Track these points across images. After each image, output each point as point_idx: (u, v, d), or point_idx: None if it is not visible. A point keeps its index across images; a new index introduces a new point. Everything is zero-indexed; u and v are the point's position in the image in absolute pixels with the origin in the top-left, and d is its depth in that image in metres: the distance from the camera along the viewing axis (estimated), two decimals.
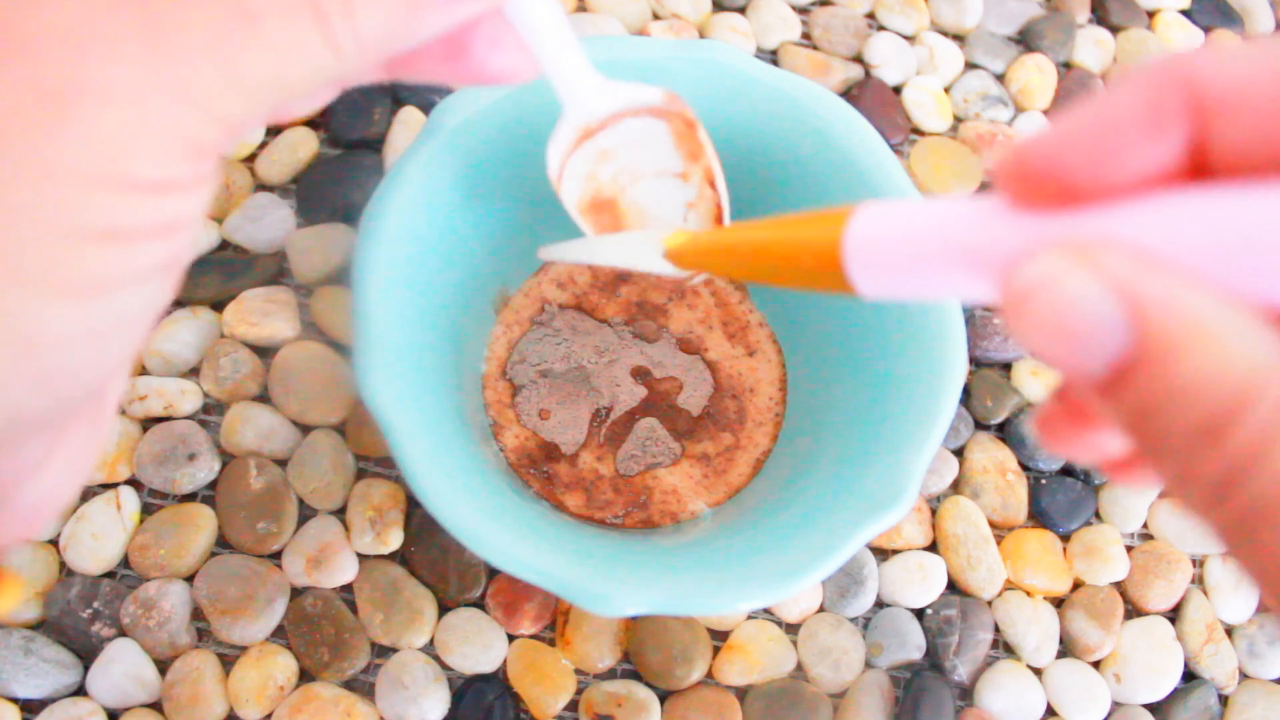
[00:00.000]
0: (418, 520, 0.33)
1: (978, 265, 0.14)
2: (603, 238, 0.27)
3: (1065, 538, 0.36)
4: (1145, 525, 0.37)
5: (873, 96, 0.42)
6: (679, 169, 0.26)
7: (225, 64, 0.14)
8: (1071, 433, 0.17)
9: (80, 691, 0.31)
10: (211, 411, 0.35)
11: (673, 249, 0.24)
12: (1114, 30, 0.46)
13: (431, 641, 0.32)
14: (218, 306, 0.36)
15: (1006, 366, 0.38)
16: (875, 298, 0.17)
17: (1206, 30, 0.47)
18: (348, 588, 0.33)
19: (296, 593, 0.33)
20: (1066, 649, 0.35)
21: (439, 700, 0.31)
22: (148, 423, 0.34)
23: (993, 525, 0.36)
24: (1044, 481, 0.36)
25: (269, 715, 0.31)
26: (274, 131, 0.39)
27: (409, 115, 0.39)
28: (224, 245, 0.37)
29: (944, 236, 0.15)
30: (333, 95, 0.20)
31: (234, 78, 0.14)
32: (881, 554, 0.35)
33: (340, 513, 0.34)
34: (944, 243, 0.15)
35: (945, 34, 0.44)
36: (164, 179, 0.14)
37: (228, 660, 0.32)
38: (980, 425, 0.37)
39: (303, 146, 0.38)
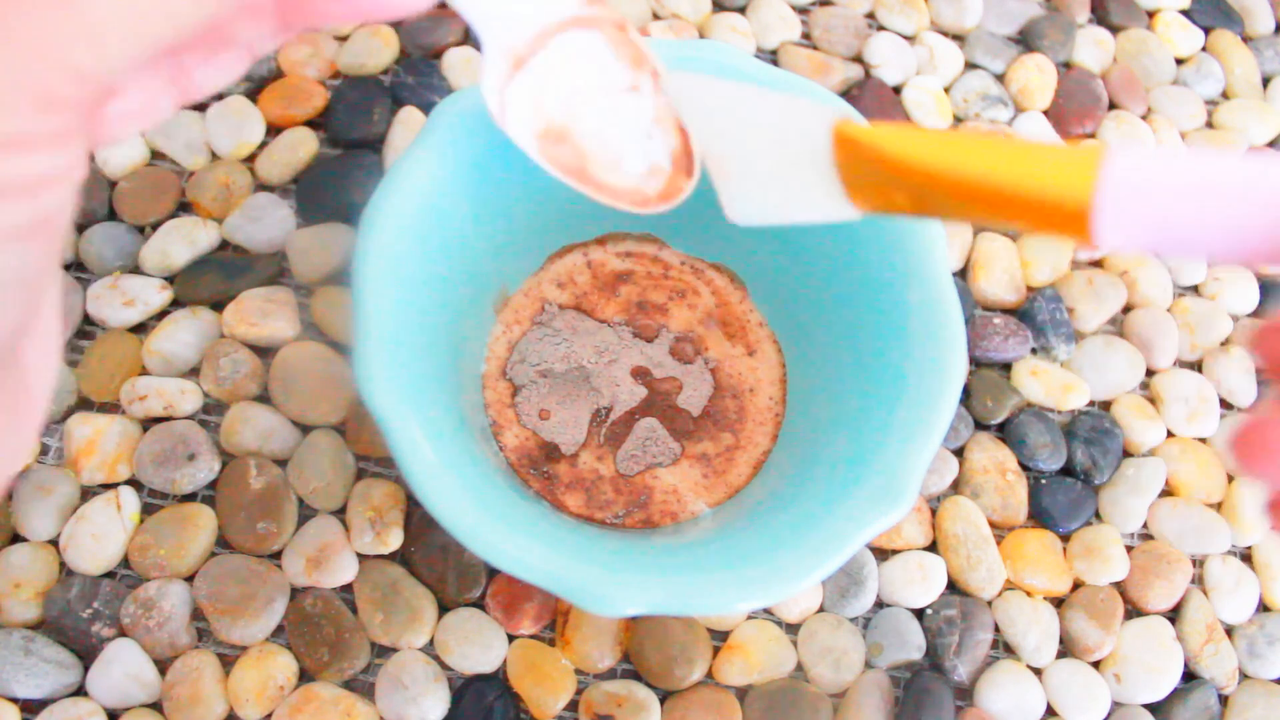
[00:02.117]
0: (418, 520, 0.33)
1: (1240, 219, 0.14)
2: (750, 93, 0.22)
3: (1065, 538, 0.36)
4: (1145, 525, 0.37)
5: (873, 97, 0.42)
6: (627, 81, 0.24)
7: (68, 9, 0.13)
8: None
9: (80, 692, 0.31)
10: (211, 411, 0.35)
11: (845, 157, 0.20)
12: (1114, 30, 0.46)
13: (431, 642, 0.32)
14: (217, 306, 0.36)
15: (1006, 366, 0.38)
16: (1112, 248, 0.16)
17: (1206, 30, 0.47)
18: (348, 588, 0.33)
19: (296, 593, 0.33)
20: (1066, 649, 0.35)
21: (439, 700, 0.31)
22: (148, 423, 0.34)
23: (993, 525, 0.36)
24: (1044, 481, 0.36)
25: (269, 715, 0.31)
26: (274, 131, 0.39)
27: (409, 115, 0.39)
28: (224, 245, 0.37)
29: (1218, 194, 0.14)
30: (244, 65, 0.19)
31: (81, 24, 0.13)
32: (881, 554, 0.35)
33: (340, 513, 0.34)
34: (1213, 194, 0.14)
35: (945, 34, 0.44)
36: (12, 134, 0.13)
37: (228, 660, 0.32)
38: (980, 425, 0.37)
39: (302, 146, 0.38)
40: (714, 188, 0.25)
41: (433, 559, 0.33)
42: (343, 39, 0.41)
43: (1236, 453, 0.16)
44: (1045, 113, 0.43)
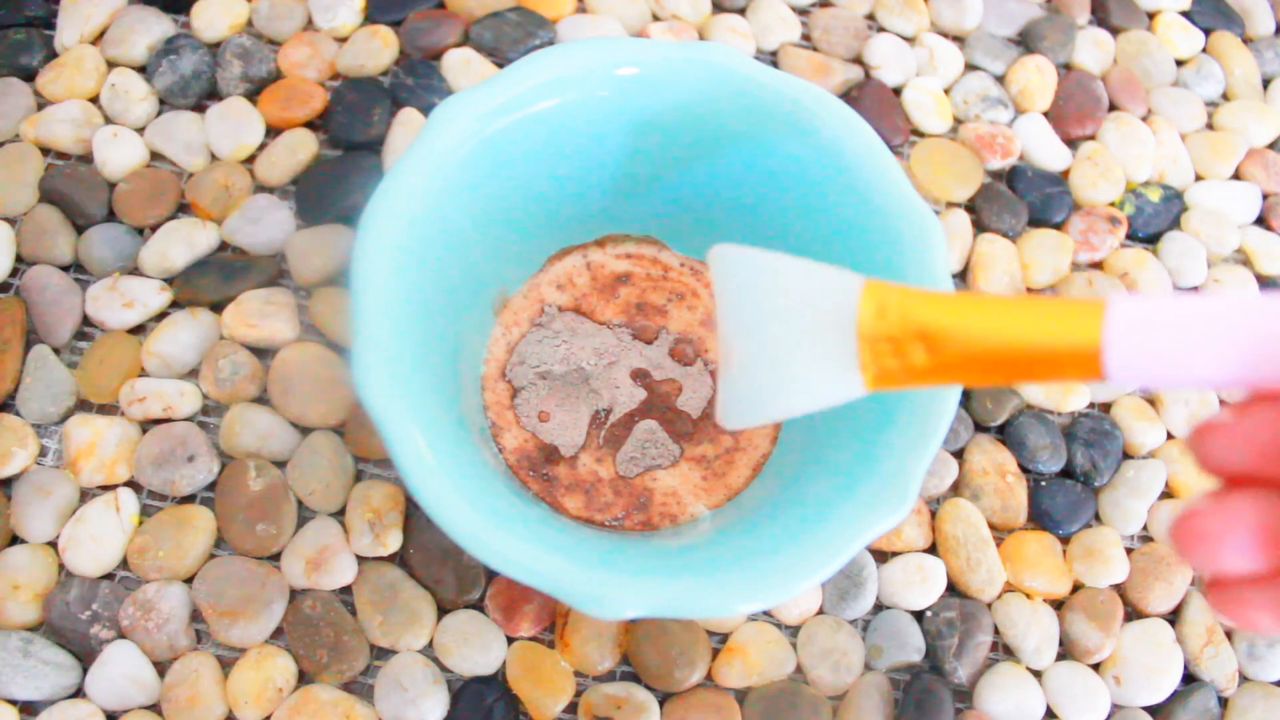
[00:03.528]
0: (417, 522, 0.33)
1: (1241, 353, 0.16)
2: (788, 262, 0.23)
3: (1065, 540, 0.36)
4: (1145, 528, 0.36)
5: (872, 98, 0.42)
6: None
7: None
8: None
9: (79, 693, 0.31)
10: (210, 413, 0.35)
11: (872, 310, 0.20)
12: (1114, 31, 0.46)
13: (430, 643, 0.32)
14: (217, 308, 0.36)
15: None
16: (1123, 384, 0.18)
17: (1206, 32, 0.47)
18: (347, 590, 0.33)
19: (295, 595, 0.33)
20: (1066, 651, 0.34)
21: (438, 702, 0.31)
22: (147, 424, 0.34)
23: (992, 527, 0.36)
24: (1043, 484, 0.36)
25: (268, 717, 0.31)
26: (273, 133, 0.39)
27: (408, 116, 0.39)
28: (223, 247, 0.37)
29: (1208, 330, 0.16)
30: None
31: None
32: (881, 556, 0.35)
33: (339, 515, 0.34)
34: (1209, 335, 0.16)
35: (945, 35, 0.44)
36: None
37: (227, 662, 0.32)
38: (980, 427, 0.37)
39: (302, 148, 0.38)
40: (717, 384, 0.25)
41: (432, 561, 0.33)
42: (342, 40, 0.41)
43: (1173, 541, 0.17)
44: (1045, 114, 0.43)
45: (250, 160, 0.39)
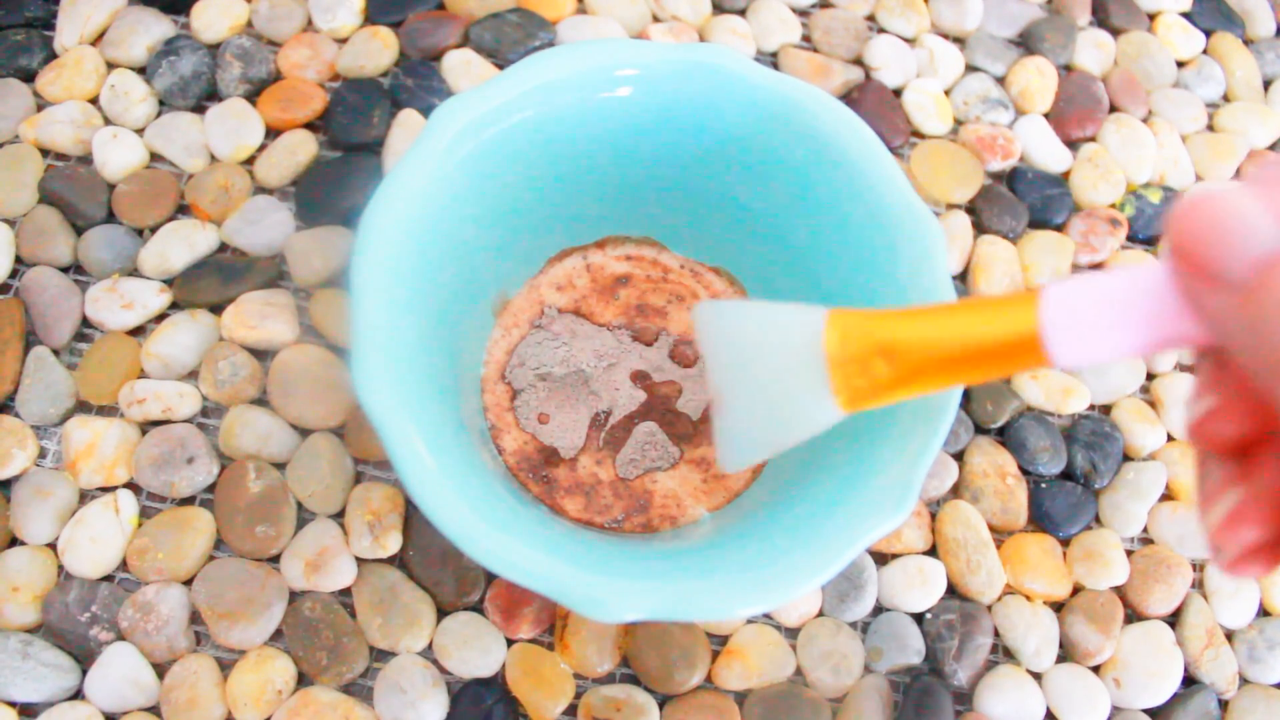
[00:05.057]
0: (416, 524, 0.33)
1: (1166, 315, 0.17)
2: (758, 307, 0.26)
3: (1065, 542, 0.36)
4: (1145, 530, 0.36)
5: (873, 99, 0.42)
6: None
7: None
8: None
9: (78, 695, 0.31)
10: (210, 415, 0.35)
11: (837, 336, 0.22)
12: (1115, 33, 0.46)
13: (430, 646, 0.32)
14: (216, 309, 0.36)
15: None
16: (1069, 367, 0.19)
17: (1207, 33, 0.47)
18: (346, 591, 0.33)
19: (295, 596, 0.33)
20: (1066, 654, 0.34)
21: (437, 704, 0.31)
22: (146, 426, 0.34)
23: (992, 529, 0.36)
24: (1044, 486, 0.36)
25: (267, 719, 0.31)
26: (273, 134, 0.39)
27: (408, 118, 0.39)
28: (223, 248, 0.37)
29: (1135, 300, 0.17)
30: None
31: None
32: (881, 558, 0.35)
33: (339, 516, 0.34)
34: (1137, 305, 0.17)
35: (945, 36, 0.44)
36: None
37: (226, 664, 0.32)
38: (980, 429, 0.37)
39: (302, 149, 0.38)
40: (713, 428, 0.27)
41: (431, 563, 0.33)
42: (342, 41, 0.41)
43: (1216, 541, 0.18)
44: (1046, 116, 0.43)
45: (250, 161, 0.39)
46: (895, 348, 0.21)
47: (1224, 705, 0.34)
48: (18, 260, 0.37)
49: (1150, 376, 0.39)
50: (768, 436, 0.25)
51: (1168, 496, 0.37)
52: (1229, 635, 0.35)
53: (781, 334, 0.24)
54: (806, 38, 0.44)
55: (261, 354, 0.36)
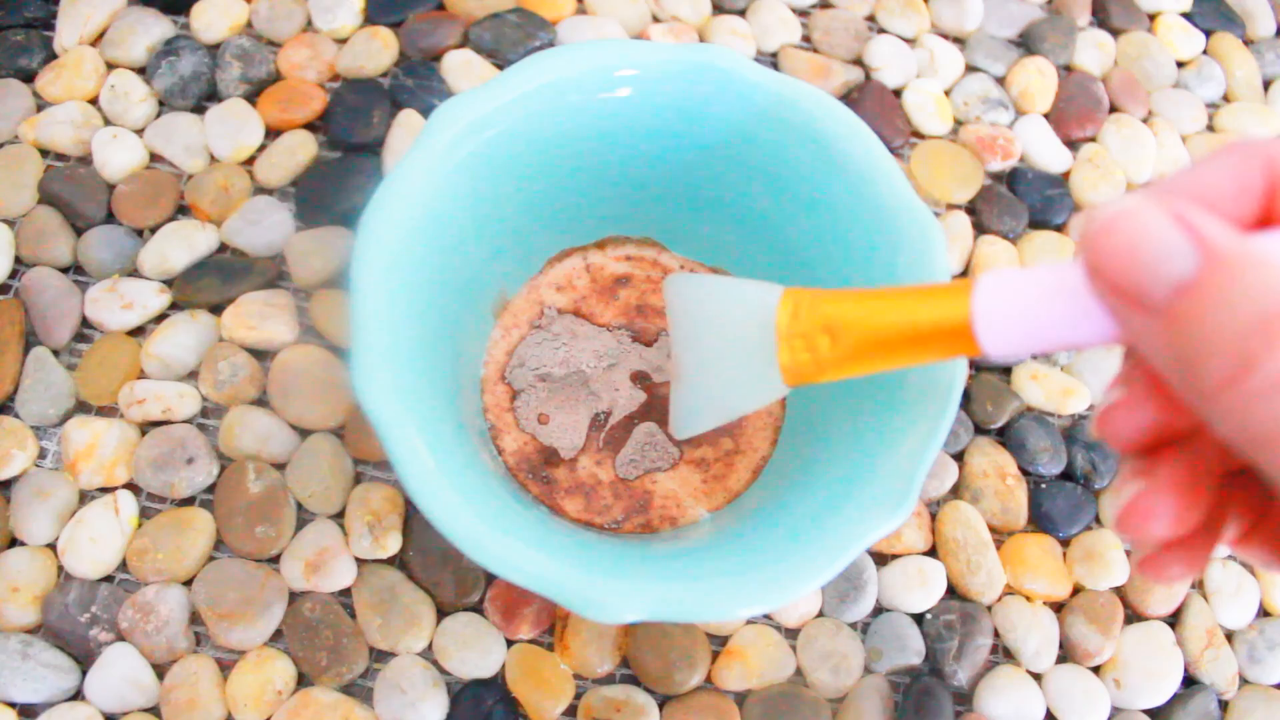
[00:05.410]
0: (416, 525, 0.33)
1: (1088, 309, 0.17)
2: (723, 281, 0.27)
3: (1065, 542, 0.36)
4: None
5: (873, 99, 0.42)
6: None
7: None
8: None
9: (78, 696, 0.31)
10: (210, 415, 0.35)
11: (788, 311, 0.23)
12: (1115, 33, 0.46)
13: (430, 646, 0.32)
14: (216, 310, 0.36)
15: (1006, 371, 0.38)
16: (999, 357, 0.20)
17: (1207, 34, 0.47)
18: (346, 592, 0.33)
19: (295, 597, 0.33)
20: (1066, 654, 0.34)
21: (437, 705, 0.31)
22: (146, 426, 0.34)
23: (992, 530, 0.36)
24: (1044, 486, 0.36)
25: (267, 719, 0.31)
26: (273, 134, 0.39)
27: (408, 118, 0.39)
28: (222, 248, 0.37)
29: (1061, 297, 0.18)
30: None
31: None
32: (881, 559, 0.35)
33: (339, 517, 0.34)
34: (1063, 302, 0.18)
35: (946, 37, 0.44)
36: None
37: (226, 665, 0.32)
38: (980, 430, 0.37)
39: (302, 150, 0.38)
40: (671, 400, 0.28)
41: (431, 563, 0.33)
42: (342, 42, 0.41)
43: (1121, 531, 0.19)
44: (1046, 116, 0.43)
45: (250, 162, 0.39)
46: (838, 325, 0.22)
47: (1224, 705, 0.34)
48: (18, 260, 0.37)
49: None
50: (718, 406, 0.26)
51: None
52: (1229, 635, 0.35)
53: (740, 307, 0.25)
54: (806, 38, 0.44)
55: (261, 354, 0.36)
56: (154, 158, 0.39)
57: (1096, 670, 0.34)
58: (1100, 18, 0.46)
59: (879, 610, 0.34)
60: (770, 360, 0.24)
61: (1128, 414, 0.19)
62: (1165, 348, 0.16)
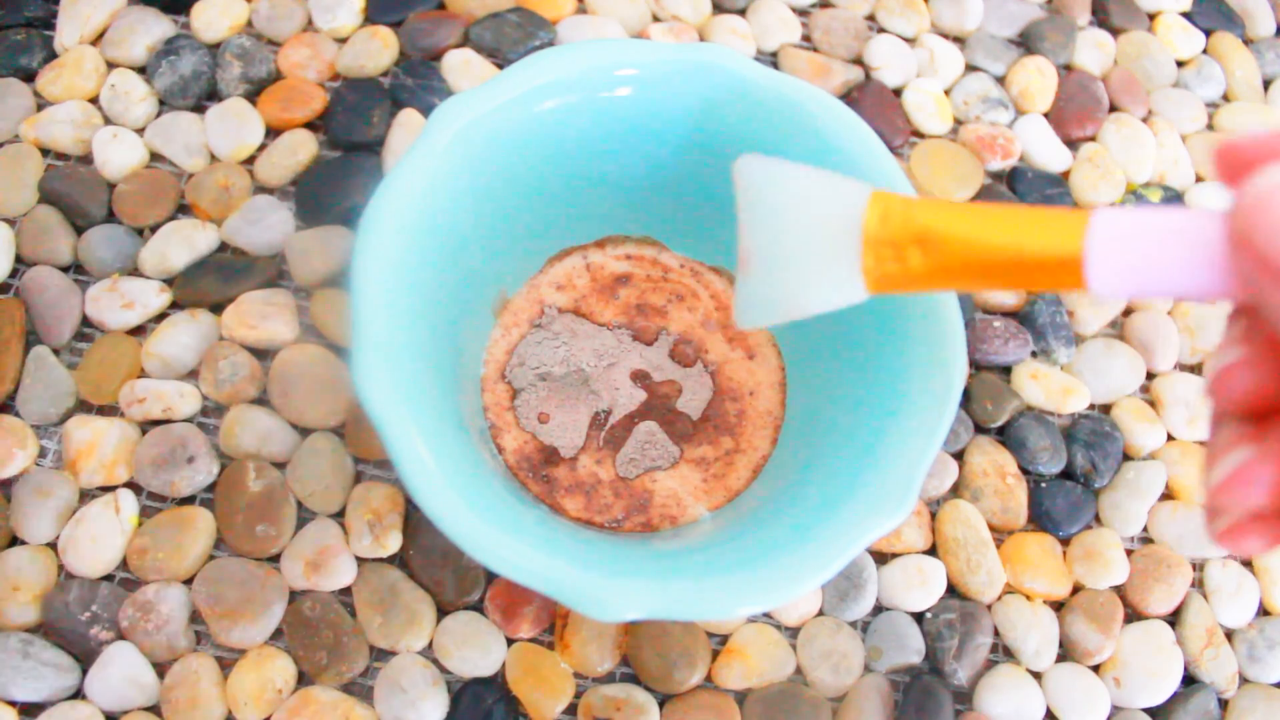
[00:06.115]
0: (416, 523, 0.33)
1: (1212, 262, 0.17)
2: (805, 170, 0.24)
3: (1065, 541, 0.36)
4: (1145, 529, 0.36)
5: (873, 99, 0.42)
6: None
7: None
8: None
9: (78, 695, 0.31)
10: (210, 414, 0.35)
11: (877, 215, 0.22)
12: (1115, 32, 0.46)
13: (430, 645, 0.32)
14: (216, 309, 0.36)
15: (1006, 370, 0.38)
16: (1104, 293, 0.18)
17: (1207, 33, 0.47)
18: (346, 591, 0.33)
19: (295, 596, 0.33)
20: (1066, 653, 0.34)
21: (437, 704, 0.31)
22: (146, 425, 0.34)
23: (992, 529, 0.36)
24: (1044, 485, 0.36)
25: (267, 719, 0.31)
26: (273, 134, 0.39)
27: (408, 118, 0.39)
28: (223, 248, 0.37)
29: (1186, 244, 0.17)
30: None
31: None
32: (881, 558, 0.35)
33: (339, 516, 0.34)
34: (1187, 250, 0.17)
35: (945, 36, 0.44)
36: None
37: (226, 664, 0.32)
38: (980, 429, 0.37)
39: (302, 149, 0.38)
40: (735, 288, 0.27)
41: (431, 562, 0.33)
42: (342, 41, 0.41)
43: (1220, 497, 0.18)
44: (1046, 115, 0.43)
45: (250, 161, 0.39)
46: (934, 239, 0.21)
47: (1224, 705, 0.34)
48: (18, 260, 0.37)
49: (1150, 376, 0.39)
50: (789, 302, 0.24)
51: (1168, 496, 0.37)
52: (1229, 634, 0.35)
53: (822, 203, 0.23)
54: (806, 37, 0.44)
55: (262, 354, 0.36)
56: (154, 157, 0.39)
57: (1096, 669, 0.34)
58: (1100, 17, 0.46)
59: (879, 609, 0.34)
60: (853, 264, 0.22)
61: (1243, 374, 0.18)
62: None
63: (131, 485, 0.34)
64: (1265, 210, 0.15)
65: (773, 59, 0.43)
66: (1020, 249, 0.19)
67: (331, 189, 0.38)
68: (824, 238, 0.23)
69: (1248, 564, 0.37)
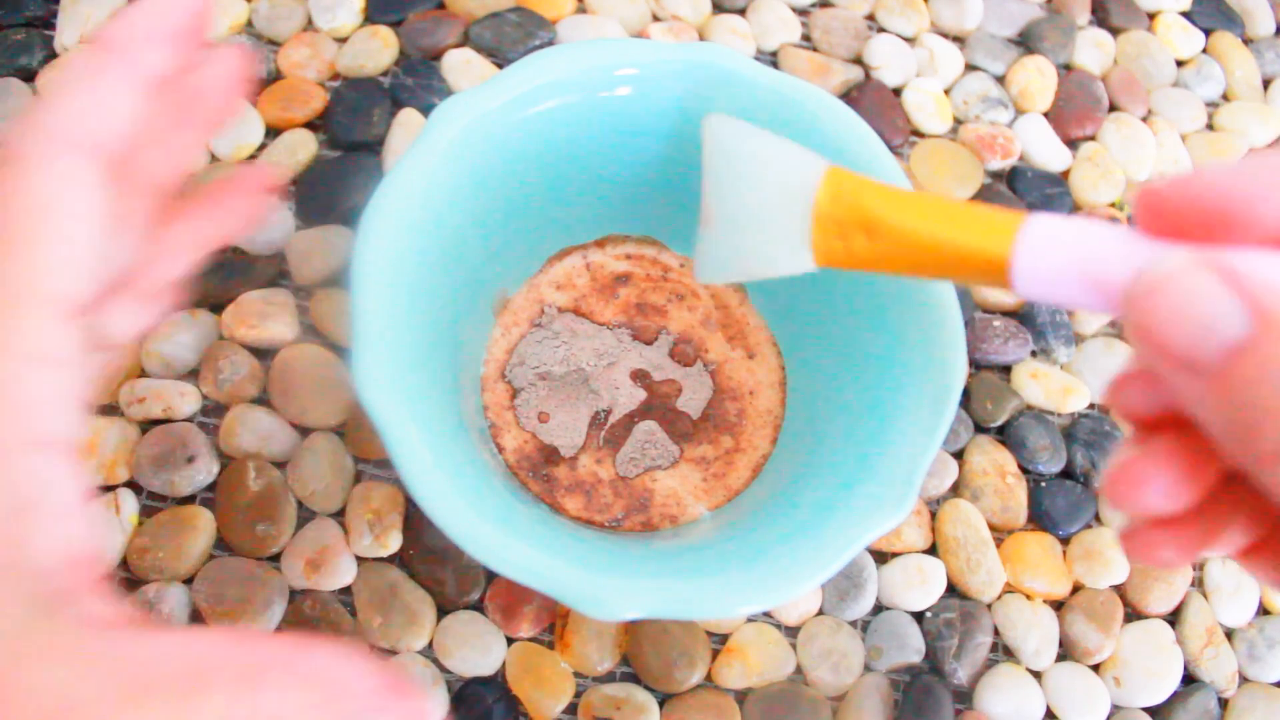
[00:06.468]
0: (416, 523, 0.33)
1: (1115, 281, 0.17)
2: (767, 137, 0.25)
3: (1065, 541, 0.36)
4: None
5: (873, 98, 0.42)
6: None
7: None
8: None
9: None
10: (210, 414, 0.35)
11: (829, 194, 0.23)
12: (1114, 32, 0.46)
13: (430, 644, 0.32)
14: (216, 309, 0.36)
15: (1006, 369, 0.38)
16: (1031, 299, 0.19)
17: (1207, 32, 0.47)
18: (346, 590, 0.33)
19: (295, 595, 0.33)
20: (1066, 652, 0.34)
21: (437, 703, 0.31)
22: (146, 425, 0.34)
23: (992, 528, 0.36)
24: (1044, 484, 0.36)
25: None
26: (273, 133, 0.39)
27: (408, 117, 0.39)
28: (223, 247, 0.37)
29: (1112, 261, 0.18)
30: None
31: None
32: (881, 557, 0.35)
33: (339, 515, 0.34)
34: (1112, 266, 0.18)
35: (945, 36, 0.44)
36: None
37: None
38: (980, 428, 0.37)
39: (302, 148, 0.38)
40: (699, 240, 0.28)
41: (431, 562, 0.33)
42: (342, 41, 0.41)
43: (1108, 493, 0.18)
44: (1045, 115, 0.43)
45: (250, 160, 0.39)
46: (877, 226, 0.22)
47: (1224, 704, 0.34)
48: None
49: None
50: (743, 263, 0.26)
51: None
52: (1229, 634, 0.35)
53: (781, 173, 0.24)
54: (806, 37, 0.44)
55: (262, 353, 0.36)
56: None
57: (1096, 668, 0.34)
58: (1100, 16, 0.46)
59: (879, 608, 0.34)
60: (803, 235, 0.23)
61: (1142, 388, 0.19)
62: (1216, 410, 0.15)
63: (131, 485, 0.34)
64: (1156, 298, 0.16)
65: (773, 59, 0.43)
66: (955, 246, 0.20)
67: (332, 189, 0.38)
68: (779, 206, 0.24)
69: None
